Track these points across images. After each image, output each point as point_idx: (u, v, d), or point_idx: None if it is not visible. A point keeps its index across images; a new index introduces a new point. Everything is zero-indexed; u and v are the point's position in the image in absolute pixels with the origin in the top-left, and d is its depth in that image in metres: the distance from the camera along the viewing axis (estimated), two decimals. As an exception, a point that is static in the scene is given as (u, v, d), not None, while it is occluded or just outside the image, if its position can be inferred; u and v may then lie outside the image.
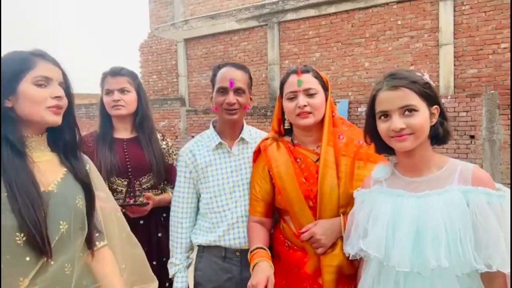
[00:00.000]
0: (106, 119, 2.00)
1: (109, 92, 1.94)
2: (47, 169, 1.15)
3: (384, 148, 1.27)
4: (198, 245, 1.72)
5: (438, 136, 1.20)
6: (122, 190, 1.92)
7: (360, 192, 1.35)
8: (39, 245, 1.02)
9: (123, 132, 2.01)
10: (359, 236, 1.25)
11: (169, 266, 1.73)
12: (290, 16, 8.38)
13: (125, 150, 1.95)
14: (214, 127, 1.75)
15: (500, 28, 6.47)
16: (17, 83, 1.09)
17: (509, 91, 6.11)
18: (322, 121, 1.51)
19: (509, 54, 6.32)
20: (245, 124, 1.77)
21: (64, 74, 1.19)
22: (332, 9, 7.86)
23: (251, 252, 1.47)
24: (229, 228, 1.63)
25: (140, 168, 1.94)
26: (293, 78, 1.50)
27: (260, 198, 1.57)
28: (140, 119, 2.01)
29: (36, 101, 1.10)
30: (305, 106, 1.45)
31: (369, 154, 1.46)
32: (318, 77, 1.52)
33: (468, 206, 1.09)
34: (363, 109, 7.43)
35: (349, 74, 7.84)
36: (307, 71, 1.51)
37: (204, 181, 1.69)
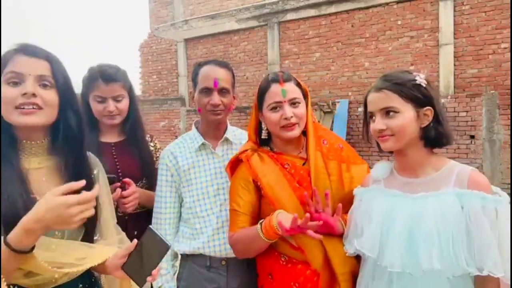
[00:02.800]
0: (91, 121, 1.77)
1: (101, 100, 1.73)
2: (46, 176, 1.07)
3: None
4: (181, 254, 1.62)
5: (430, 138, 1.19)
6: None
7: (359, 190, 1.35)
8: None
9: (109, 135, 1.82)
10: (356, 235, 1.26)
11: None
12: (290, 16, 8.38)
13: (114, 156, 1.78)
14: (196, 128, 1.67)
15: (500, 28, 6.47)
16: None
17: (509, 91, 6.11)
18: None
19: (509, 54, 6.32)
20: (229, 125, 1.70)
21: (53, 66, 1.05)
22: (332, 9, 7.86)
23: (261, 223, 1.31)
24: (214, 234, 1.54)
25: (132, 175, 1.76)
26: (276, 88, 1.42)
27: (244, 212, 1.42)
28: (132, 124, 1.85)
29: (5, 102, 1.00)
30: (291, 117, 1.39)
31: (349, 156, 1.48)
32: (298, 85, 1.47)
33: (463, 210, 1.09)
34: (363, 109, 7.42)
35: (349, 74, 7.84)
36: (288, 80, 1.44)
37: (187, 184, 1.59)
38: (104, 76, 1.72)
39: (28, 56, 1.02)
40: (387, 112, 1.17)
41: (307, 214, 1.19)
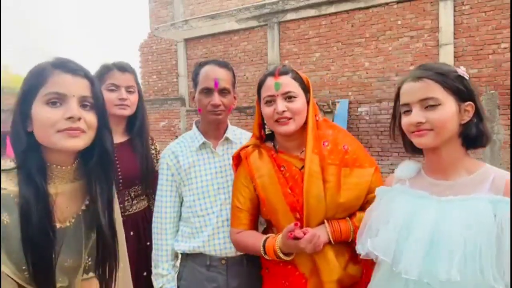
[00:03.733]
0: None
1: (114, 88, 1.77)
2: (69, 200, 1.03)
3: (412, 147, 1.17)
4: (181, 253, 1.63)
5: (470, 136, 1.07)
6: None
7: (380, 189, 1.25)
8: None
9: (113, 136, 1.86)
10: (371, 235, 1.16)
11: (154, 278, 1.61)
12: (290, 16, 8.38)
13: (116, 158, 1.73)
14: (197, 127, 1.67)
15: (500, 28, 6.47)
16: (31, 102, 0.93)
17: (509, 91, 6.11)
18: (304, 124, 1.41)
19: (509, 54, 6.31)
20: (229, 124, 1.70)
21: (92, 85, 0.99)
22: (332, 9, 7.86)
23: (264, 240, 1.36)
24: (214, 233, 1.55)
25: (132, 178, 1.79)
26: (270, 81, 1.39)
27: (245, 209, 1.45)
28: (141, 122, 1.87)
29: (44, 124, 0.92)
30: (284, 111, 1.34)
31: (355, 158, 1.39)
32: (297, 78, 1.41)
33: (495, 219, 0.96)
34: (363, 109, 7.42)
35: (349, 74, 7.83)
36: (285, 73, 1.39)
37: (187, 183, 1.59)
38: (118, 66, 1.79)
39: (70, 74, 0.96)
40: (428, 103, 1.05)
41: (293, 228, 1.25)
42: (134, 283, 1.56)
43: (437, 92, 1.05)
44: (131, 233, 1.77)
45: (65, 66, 0.96)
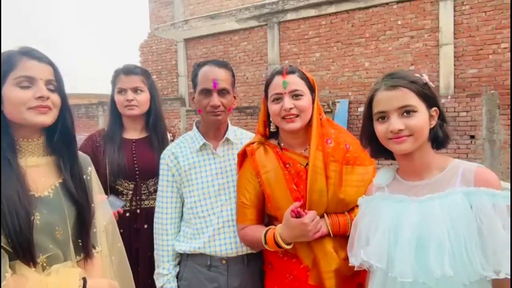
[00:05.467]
0: (116, 118, 1.95)
1: (121, 91, 1.90)
2: (44, 173, 1.13)
3: (380, 152, 1.23)
4: (182, 254, 1.63)
5: (438, 139, 1.15)
6: (128, 193, 1.86)
7: (363, 199, 1.29)
8: (23, 256, 1.02)
9: (132, 132, 1.97)
10: (362, 245, 1.19)
11: (155, 277, 1.63)
12: (290, 16, 8.38)
13: (134, 151, 1.90)
14: (197, 128, 1.67)
15: (500, 28, 6.47)
16: (1, 85, 1.06)
17: (509, 91, 6.11)
18: (309, 123, 1.45)
19: (509, 54, 6.31)
20: (230, 125, 1.70)
21: (55, 71, 1.14)
22: (332, 9, 7.86)
23: (266, 231, 1.40)
24: (215, 234, 1.55)
25: (148, 171, 1.87)
26: (278, 80, 1.44)
27: (251, 205, 1.48)
28: (154, 119, 1.98)
29: (17, 103, 1.05)
30: (291, 108, 1.39)
31: (356, 157, 1.43)
32: (304, 78, 1.46)
33: (472, 209, 1.02)
34: (363, 109, 7.42)
35: (349, 74, 7.84)
36: (292, 72, 1.45)
37: (188, 185, 1.60)
38: (124, 69, 1.94)
39: (37, 61, 1.09)
40: (405, 111, 1.10)
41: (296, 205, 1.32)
42: (148, 275, 1.69)
43: (413, 100, 1.11)
44: (145, 226, 1.84)
45: (31, 53, 1.09)
